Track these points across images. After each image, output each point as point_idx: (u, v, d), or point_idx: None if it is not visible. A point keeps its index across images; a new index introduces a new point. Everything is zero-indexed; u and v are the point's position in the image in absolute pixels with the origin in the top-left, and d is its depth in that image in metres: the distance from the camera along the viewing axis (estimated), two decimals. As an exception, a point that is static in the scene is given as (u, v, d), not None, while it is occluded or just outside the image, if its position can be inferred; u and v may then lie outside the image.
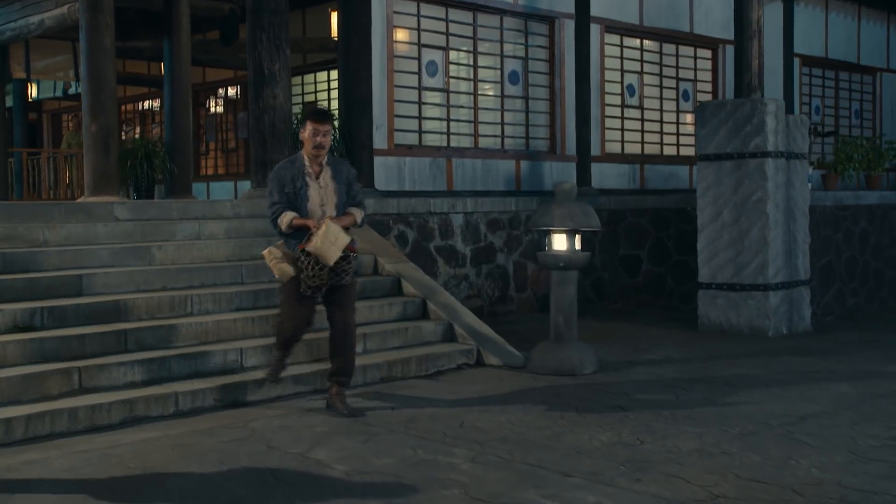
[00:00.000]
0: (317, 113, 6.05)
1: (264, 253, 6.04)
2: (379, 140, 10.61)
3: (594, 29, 12.79)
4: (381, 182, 10.62)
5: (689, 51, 14.53)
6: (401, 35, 11.04)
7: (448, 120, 11.49)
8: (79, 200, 10.54)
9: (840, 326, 10.18)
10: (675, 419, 5.93)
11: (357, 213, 6.09)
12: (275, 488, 4.59)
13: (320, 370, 6.88)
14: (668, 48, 14.28)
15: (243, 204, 9.04)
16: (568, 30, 12.55)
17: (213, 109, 18.24)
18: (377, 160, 10.55)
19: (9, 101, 18.32)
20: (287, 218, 5.89)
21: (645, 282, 11.88)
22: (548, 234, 7.56)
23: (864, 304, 11.61)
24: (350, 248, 5.94)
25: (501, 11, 11.98)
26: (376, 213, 9.51)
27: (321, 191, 5.96)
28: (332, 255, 5.78)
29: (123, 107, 19.78)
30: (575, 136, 12.60)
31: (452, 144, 11.48)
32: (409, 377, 7.31)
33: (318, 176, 5.98)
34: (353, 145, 10.27)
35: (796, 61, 16.03)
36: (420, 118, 11.17)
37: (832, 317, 10.82)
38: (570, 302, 7.57)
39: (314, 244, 5.74)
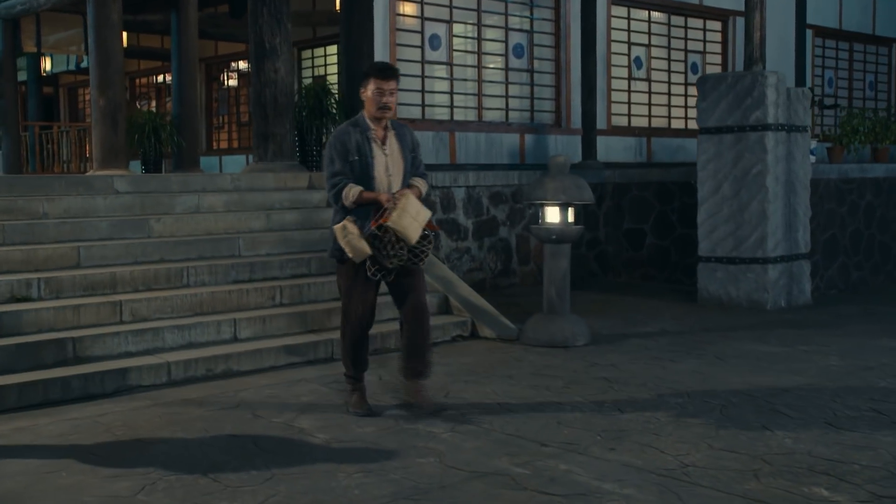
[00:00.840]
0: (381, 69, 5.28)
1: (336, 228, 5.18)
2: (381, 113, 10.63)
3: (601, 1, 12.72)
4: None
5: (698, 23, 14.42)
6: (404, 8, 11.04)
7: (451, 94, 11.50)
8: (87, 174, 10.68)
9: (842, 300, 10.17)
10: (659, 390, 5.99)
11: (422, 185, 5.42)
12: (255, 455, 4.70)
13: (314, 341, 7.00)
14: (677, 20, 14.17)
15: (243, 177, 9.13)
16: (574, 2, 12.49)
17: (226, 83, 18.33)
18: (380, 133, 10.59)
19: (23, 76, 18.52)
20: (354, 191, 5.15)
21: (649, 255, 11.89)
22: (541, 207, 7.60)
23: (870, 278, 11.56)
24: (429, 226, 5.27)
25: (506, -17, 11.94)
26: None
27: (387, 158, 5.28)
28: (414, 233, 5.12)
29: (138, 80, 19.92)
30: (580, 110, 12.56)
31: (456, 118, 11.49)
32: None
33: (383, 142, 5.29)
34: (355, 119, 10.31)
35: (809, 32, 15.85)
36: (423, 92, 11.19)
37: (835, 290, 10.80)
38: (563, 275, 7.62)
39: (395, 219, 5.06)
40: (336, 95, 10.55)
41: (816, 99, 11.75)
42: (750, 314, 9.06)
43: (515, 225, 11.25)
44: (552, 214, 7.54)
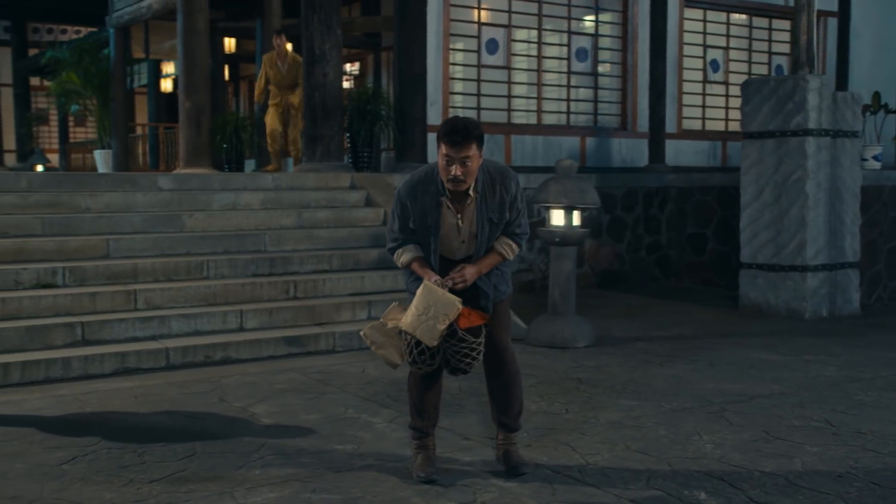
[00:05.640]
0: (450, 132, 4.05)
1: (362, 334, 4.41)
2: (433, 117, 10.93)
3: (672, 3, 12.60)
4: (434, 157, 10.89)
5: (783, 24, 14.05)
6: (458, 14, 11.28)
7: (509, 97, 11.66)
8: (174, 172, 11.41)
9: (897, 312, 9.80)
10: (621, 393, 6.03)
11: (504, 249, 4.31)
12: (192, 433, 5.05)
13: (317, 333, 7.34)
14: (760, 21, 13.87)
15: (285, 177, 9.59)
16: (642, 5, 12.43)
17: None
18: (431, 136, 10.84)
19: (144, 79, 19.76)
20: (405, 259, 4.32)
21: (710, 260, 11.73)
22: (546, 209, 7.71)
23: (943, 290, 11.03)
24: (464, 319, 4.15)
25: (570, -12, 12.02)
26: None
27: (459, 222, 4.24)
28: (431, 333, 4.08)
29: (242, 83, 20.90)
30: (648, 113, 12.49)
31: (513, 121, 11.64)
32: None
33: (459, 209, 4.24)
34: (406, 122, 10.63)
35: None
36: (479, 95, 11.39)
37: (899, 302, 10.40)
38: (567, 276, 7.70)
39: (406, 321, 4.14)
40: (387, 98, 10.88)
41: (884, 105, 11.26)
42: (784, 322, 8.87)
43: (568, 227, 11.29)
44: (557, 217, 7.64)
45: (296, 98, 11.77)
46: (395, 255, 4.37)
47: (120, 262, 7.56)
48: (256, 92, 12.42)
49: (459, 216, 4.23)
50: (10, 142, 24.09)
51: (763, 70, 13.91)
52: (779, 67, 14.06)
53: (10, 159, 24.00)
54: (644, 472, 4.45)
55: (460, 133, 4.04)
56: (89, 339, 6.70)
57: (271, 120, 12.08)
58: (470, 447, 4.86)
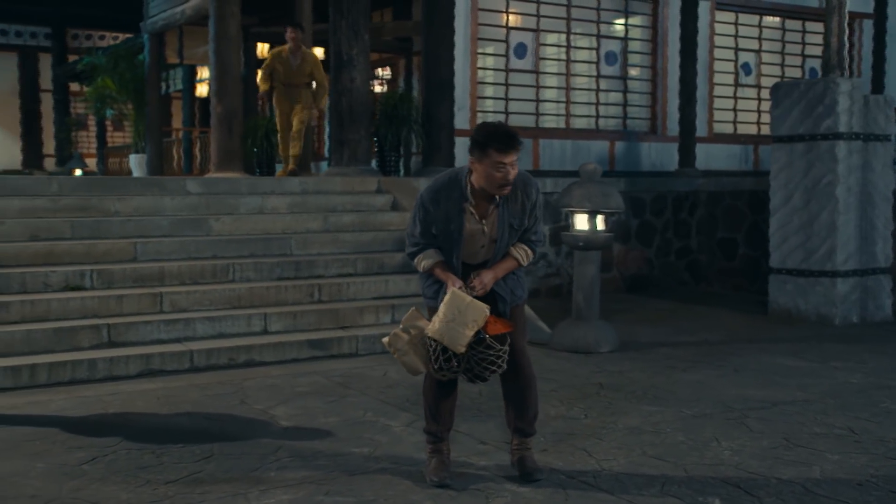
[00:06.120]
0: (504, 139, 4.06)
1: (384, 342, 4.35)
2: (461, 121, 10.94)
3: (703, 6, 12.51)
4: (461, 161, 10.92)
5: (817, 26, 13.87)
6: (486, 18, 11.28)
7: (537, 101, 11.65)
8: (206, 175, 11.53)
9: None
10: (641, 398, 6.00)
11: (522, 255, 4.34)
12: (211, 435, 5.10)
13: (341, 336, 7.37)
14: (793, 24, 13.73)
15: (312, 181, 9.64)
16: (673, 8, 12.36)
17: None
18: (458, 140, 10.87)
19: (179, 84, 19.99)
20: (426, 263, 4.32)
21: (741, 265, 11.63)
22: (570, 214, 7.69)
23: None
24: (491, 327, 4.16)
25: (599, -8, 11.98)
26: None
27: (483, 227, 4.26)
28: (460, 339, 4.06)
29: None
30: (678, 117, 12.41)
31: (541, 125, 11.62)
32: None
33: (483, 215, 4.25)
34: (433, 126, 10.65)
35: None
36: (507, 99, 11.39)
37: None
38: (591, 281, 7.67)
39: (433, 328, 4.11)
40: (414, 103, 10.91)
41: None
42: (814, 328, 8.76)
43: (596, 232, 11.25)
44: (580, 221, 7.61)
45: (303, 110, 11.16)
46: (416, 260, 4.36)
47: (147, 265, 7.65)
48: (260, 85, 11.43)
49: (484, 221, 4.24)
50: (49, 146, 24.51)
51: (796, 73, 13.77)
52: (812, 70, 13.90)
53: (49, 163, 24.41)
54: (659, 478, 4.42)
55: (512, 140, 4.07)
56: (115, 340, 6.79)
57: (280, 122, 11.55)
58: (486, 451, 4.86)
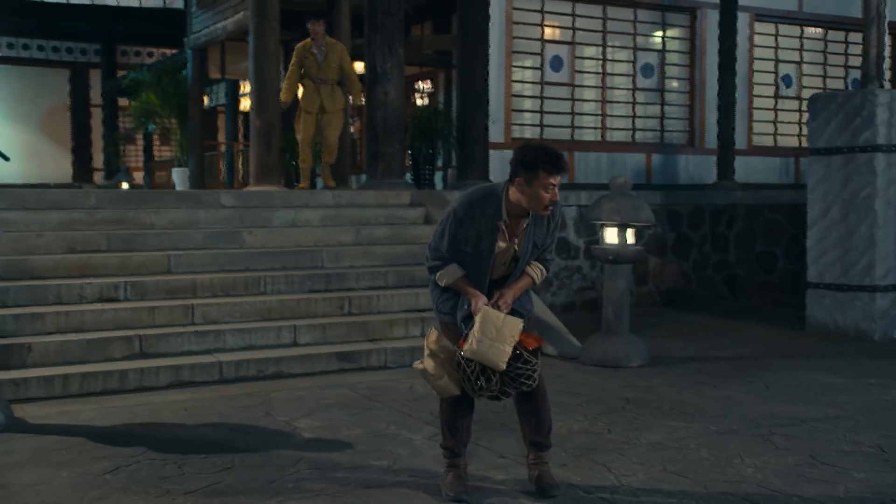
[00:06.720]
0: (555, 159, 4.06)
1: (415, 367, 4.30)
2: (495, 134, 10.95)
3: (742, 18, 12.40)
4: (496, 174, 10.94)
5: (860, 37, 13.66)
6: (521, 31, 11.30)
7: (573, 114, 11.62)
8: (244, 189, 11.66)
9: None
10: (667, 414, 5.94)
11: (537, 274, 4.32)
12: (233, 446, 5.14)
13: (370, 349, 7.40)
14: (835, 35, 13.55)
15: (345, 194, 9.71)
16: (711, 20, 12.27)
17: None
18: (493, 153, 10.89)
19: (222, 99, 20.27)
20: (449, 279, 4.25)
21: (780, 279, 11.48)
22: (600, 227, 7.66)
23: None
24: (525, 341, 4.15)
25: (635, 4, 11.92)
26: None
27: (514, 246, 4.24)
28: (501, 357, 4.03)
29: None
30: (716, 129, 12.29)
31: (577, 138, 11.59)
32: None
33: (513, 234, 4.23)
34: (468, 139, 10.68)
35: None
36: (542, 112, 11.38)
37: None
38: (621, 295, 7.62)
39: (469, 348, 4.04)
40: (449, 116, 10.94)
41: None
42: (851, 344, 8.62)
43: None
44: (610, 235, 7.57)
45: (336, 115, 10.61)
46: (438, 275, 4.29)
47: (180, 277, 7.75)
48: (283, 92, 10.70)
49: (516, 240, 4.21)
50: (99, 160, 24.99)
51: (839, 84, 13.59)
52: (855, 81, 13.69)
53: (98, 177, 24.87)
54: (677, 494, 4.38)
55: (560, 160, 4.09)
56: (147, 352, 6.88)
57: (306, 127, 10.71)
58: (504, 466, 4.84)
